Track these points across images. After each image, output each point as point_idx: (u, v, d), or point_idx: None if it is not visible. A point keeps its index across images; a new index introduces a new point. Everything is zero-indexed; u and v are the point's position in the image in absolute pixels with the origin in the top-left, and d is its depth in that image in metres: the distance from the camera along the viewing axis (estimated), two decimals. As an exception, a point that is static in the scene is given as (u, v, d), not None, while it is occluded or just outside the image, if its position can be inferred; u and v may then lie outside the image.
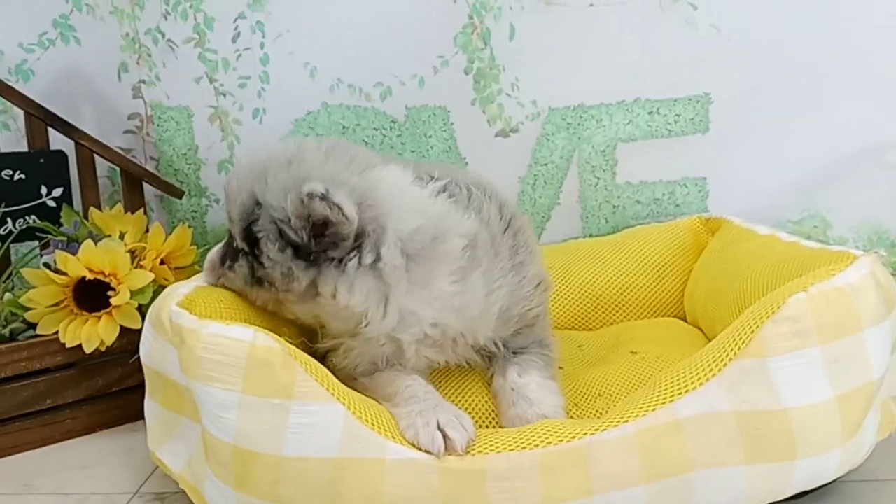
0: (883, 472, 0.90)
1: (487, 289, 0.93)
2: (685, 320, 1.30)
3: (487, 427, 0.92)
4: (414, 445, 0.77)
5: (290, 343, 0.82)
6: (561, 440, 0.76)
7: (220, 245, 0.98)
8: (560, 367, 1.03)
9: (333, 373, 0.84)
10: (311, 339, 0.99)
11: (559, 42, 1.43)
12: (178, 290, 0.89)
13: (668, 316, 1.32)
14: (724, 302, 1.08)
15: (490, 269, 0.93)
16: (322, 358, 0.92)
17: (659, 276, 1.33)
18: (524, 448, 0.76)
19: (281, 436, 0.75)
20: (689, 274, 1.32)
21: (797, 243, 1.06)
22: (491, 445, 0.76)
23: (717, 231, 1.31)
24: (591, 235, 1.50)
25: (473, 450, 0.76)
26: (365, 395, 0.85)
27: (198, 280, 0.96)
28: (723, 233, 1.28)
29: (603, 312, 1.32)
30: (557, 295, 1.31)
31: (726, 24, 1.41)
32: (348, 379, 0.89)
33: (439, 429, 0.77)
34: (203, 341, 0.79)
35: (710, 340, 0.99)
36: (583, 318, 1.32)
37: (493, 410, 0.95)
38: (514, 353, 0.98)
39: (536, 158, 1.48)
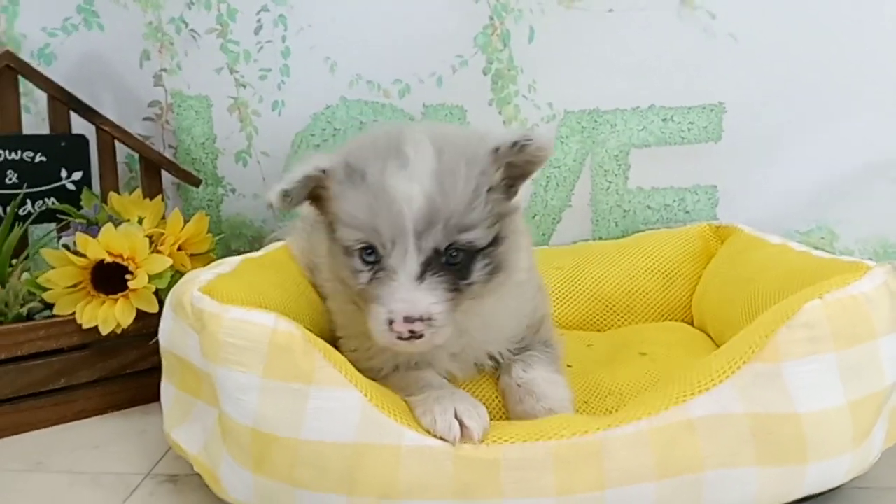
0: (886, 480, 0.91)
1: (521, 305, 0.96)
2: (693, 325, 1.32)
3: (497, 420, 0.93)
4: (429, 432, 0.78)
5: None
6: (575, 433, 0.77)
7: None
8: (569, 366, 1.05)
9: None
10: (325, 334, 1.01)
11: (577, 46, 1.44)
12: (200, 276, 0.90)
13: (676, 320, 1.33)
14: (736, 308, 1.09)
15: (525, 286, 0.96)
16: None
17: (668, 281, 1.34)
18: (538, 439, 0.77)
19: (299, 420, 0.76)
20: (698, 279, 1.33)
21: (808, 253, 1.07)
22: (506, 436, 0.78)
23: (728, 238, 1.33)
24: (601, 238, 1.51)
25: (488, 439, 0.77)
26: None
27: (219, 267, 0.97)
28: (733, 240, 1.30)
29: (611, 314, 1.33)
30: (567, 296, 1.33)
31: (743, 33, 1.42)
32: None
33: (456, 417, 0.78)
34: (225, 326, 0.80)
35: (718, 346, 1.00)
36: (592, 320, 1.33)
37: (502, 405, 0.96)
38: (519, 350, 0.98)
39: (550, 160, 1.49)
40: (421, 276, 0.81)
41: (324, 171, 0.85)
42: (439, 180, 0.81)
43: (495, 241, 0.85)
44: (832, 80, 1.44)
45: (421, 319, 0.79)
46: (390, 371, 0.94)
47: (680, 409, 0.79)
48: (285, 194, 0.84)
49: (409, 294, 0.80)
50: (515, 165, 0.87)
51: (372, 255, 0.83)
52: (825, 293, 0.81)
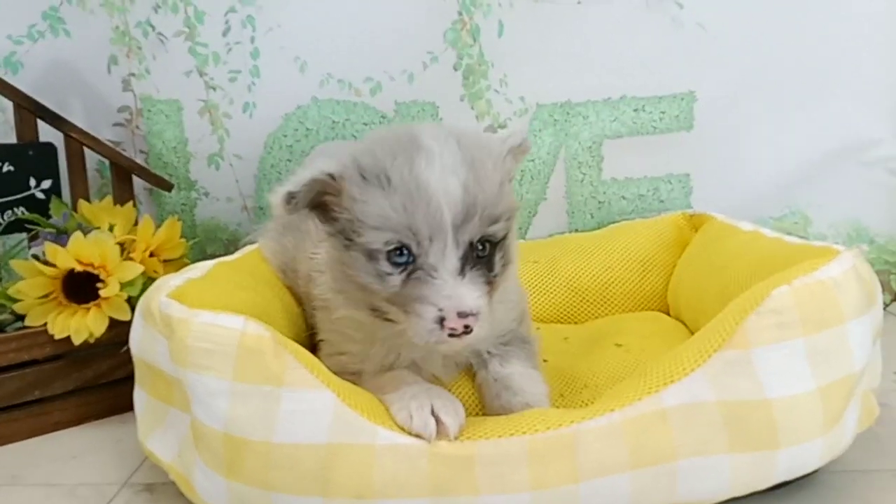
0: (862, 463, 0.92)
1: (512, 299, 0.96)
2: (668, 314, 1.32)
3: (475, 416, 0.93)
4: (404, 430, 0.78)
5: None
6: (548, 427, 0.77)
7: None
8: (545, 360, 1.05)
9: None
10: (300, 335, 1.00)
11: (547, 39, 1.45)
12: (169, 282, 0.90)
13: (652, 310, 1.34)
14: (709, 296, 1.09)
15: (515, 280, 0.96)
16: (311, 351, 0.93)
17: (643, 271, 1.35)
18: (512, 434, 0.77)
19: (271, 423, 0.76)
20: (673, 269, 1.34)
21: (780, 239, 1.07)
22: (480, 432, 0.78)
23: (701, 227, 1.33)
24: (576, 230, 1.52)
25: (462, 436, 0.77)
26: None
27: (189, 273, 0.96)
28: (706, 229, 1.30)
29: (588, 306, 1.33)
30: (543, 289, 1.33)
31: (712, 22, 1.43)
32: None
33: (433, 413, 0.78)
34: (193, 330, 0.79)
35: (693, 334, 1.01)
36: (568, 312, 1.33)
37: (478, 401, 0.96)
38: (501, 346, 0.98)
39: (527, 152, 1.49)
40: (461, 271, 0.79)
41: (331, 176, 0.82)
42: (472, 171, 0.81)
43: (506, 235, 0.85)
44: (801, 66, 1.46)
45: (471, 314, 0.78)
46: (376, 373, 0.93)
47: (652, 399, 0.79)
48: (290, 197, 0.81)
49: (457, 290, 0.78)
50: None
51: (403, 256, 0.81)
52: (793, 279, 0.81)
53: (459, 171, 0.80)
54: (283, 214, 0.98)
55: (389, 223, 0.80)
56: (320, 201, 0.84)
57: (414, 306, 0.80)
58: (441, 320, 0.78)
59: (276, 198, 0.81)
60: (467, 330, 0.77)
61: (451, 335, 0.78)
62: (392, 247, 0.80)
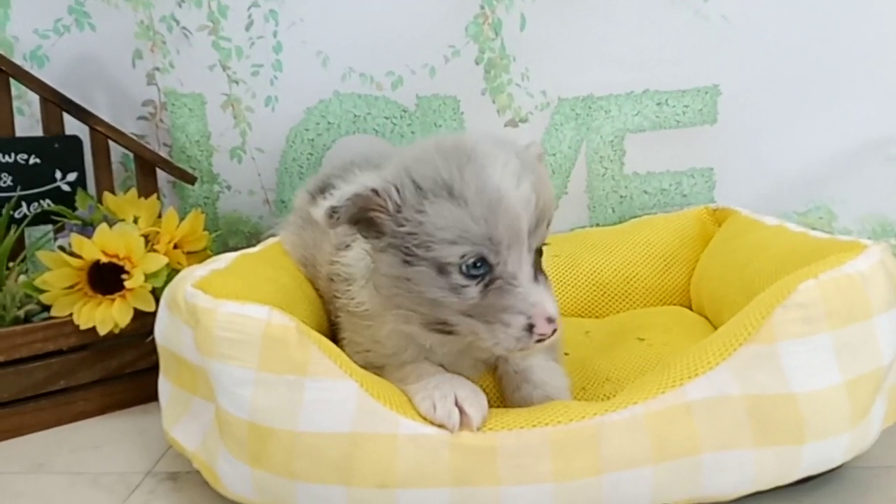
0: (887, 459, 0.91)
1: None
2: (691, 309, 1.31)
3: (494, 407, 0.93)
4: (426, 419, 0.78)
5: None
6: (571, 420, 0.77)
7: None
8: (566, 353, 1.04)
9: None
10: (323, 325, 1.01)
11: (569, 33, 1.44)
12: (195, 273, 0.90)
13: (674, 305, 1.33)
14: (733, 290, 1.09)
15: None
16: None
17: (665, 266, 1.34)
18: (534, 426, 0.77)
19: (296, 412, 0.76)
20: (696, 263, 1.33)
21: (805, 233, 1.06)
22: (502, 423, 0.78)
23: (724, 221, 1.32)
24: (598, 225, 1.51)
25: (484, 427, 0.78)
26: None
27: (213, 264, 0.96)
28: (730, 223, 1.29)
29: (609, 300, 1.33)
30: (565, 283, 1.33)
31: (736, 15, 1.42)
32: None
33: (457, 404, 0.78)
34: (219, 320, 0.80)
35: (716, 329, 1.00)
36: (590, 306, 1.33)
37: (499, 392, 0.96)
38: None
39: (545, 148, 1.49)
40: (535, 278, 0.80)
41: (375, 192, 0.80)
42: (534, 176, 0.81)
43: None
44: (827, 58, 1.44)
45: (555, 318, 0.79)
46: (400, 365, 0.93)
47: (676, 392, 0.79)
48: (333, 212, 0.79)
49: (541, 296, 0.79)
50: None
51: (481, 268, 0.80)
52: (820, 273, 0.80)
53: (527, 178, 0.80)
54: (302, 208, 1.00)
55: (467, 235, 0.78)
56: (364, 217, 0.83)
57: (499, 316, 0.79)
58: (530, 327, 0.78)
59: (318, 212, 0.80)
60: (553, 334, 0.79)
61: (538, 340, 0.78)
62: (472, 259, 0.79)
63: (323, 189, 1.09)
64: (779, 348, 0.78)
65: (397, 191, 0.80)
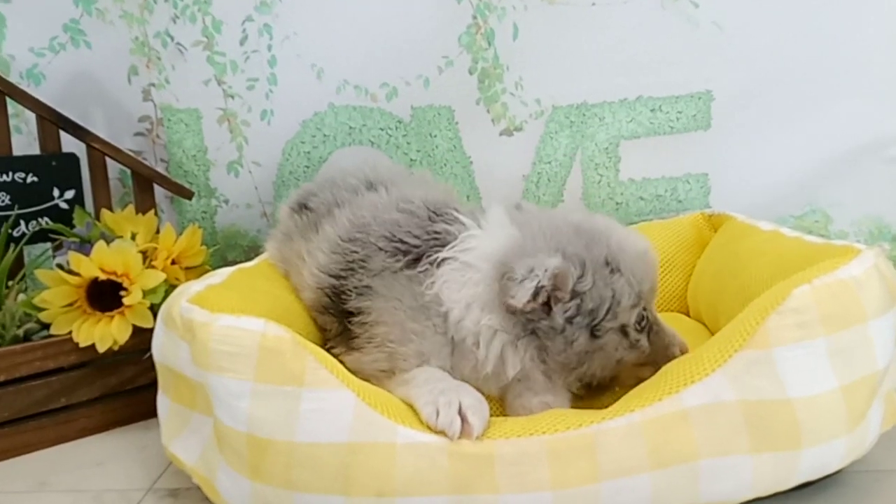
0: (886, 463, 0.91)
1: None
2: (688, 315, 1.31)
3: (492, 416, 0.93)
4: (426, 426, 0.79)
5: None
6: (568, 427, 0.78)
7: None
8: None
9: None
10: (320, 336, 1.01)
11: (562, 41, 1.45)
12: (190, 288, 0.91)
13: (672, 311, 1.33)
14: (728, 296, 1.09)
15: None
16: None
17: (662, 272, 1.33)
18: (532, 434, 0.77)
19: (293, 422, 0.77)
20: (692, 269, 1.33)
21: (800, 238, 1.07)
22: (500, 431, 0.78)
23: (720, 227, 1.33)
24: (595, 233, 1.51)
25: (483, 435, 0.78)
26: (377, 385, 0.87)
27: (209, 279, 0.97)
28: (726, 229, 1.29)
29: (608, 308, 1.33)
30: (563, 291, 1.32)
31: (727, 21, 1.42)
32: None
33: (460, 412, 0.79)
34: (215, 334, 0.80)
35: (713, 334, 1.00)
36: (588, 314, 1.32)
37: (496, 399, 0.97)
38: None
39: (540, 157, 1.49)
40: None
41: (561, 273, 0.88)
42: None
43: None
44: (819, 62, 1.44)
45: None
46: None
47: (673, 399, 0.79)
48: (538, 290, 0.86)
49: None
50: None
51: (644, 321, 0.95)
52: (814, 278, 0.81)
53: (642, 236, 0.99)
54: (284, 222, 1.03)
55: (635, 298, 0.92)
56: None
57: (665, 353, 0.96)
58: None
59: (523, 295, 0.85)
60: None
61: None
62: (640, 315, 0.94)
63: (303, 204, 1.12)
64: (774, 354, 0.78)
65: (580, 270, 0.90)
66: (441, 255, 0.94)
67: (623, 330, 0.92)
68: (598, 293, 0.89)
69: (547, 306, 0.90)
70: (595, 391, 0.98)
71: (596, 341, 0.91)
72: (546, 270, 0.86)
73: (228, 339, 0.80)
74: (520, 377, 0.94)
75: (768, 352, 0.78)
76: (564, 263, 0.87)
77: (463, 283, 0.92)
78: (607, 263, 0.90)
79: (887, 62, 1.44)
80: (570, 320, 0.90)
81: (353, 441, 0.77)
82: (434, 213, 1.00)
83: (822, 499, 0.85)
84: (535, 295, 0.86)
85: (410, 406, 0.84)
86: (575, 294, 0.89)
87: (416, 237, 0.97)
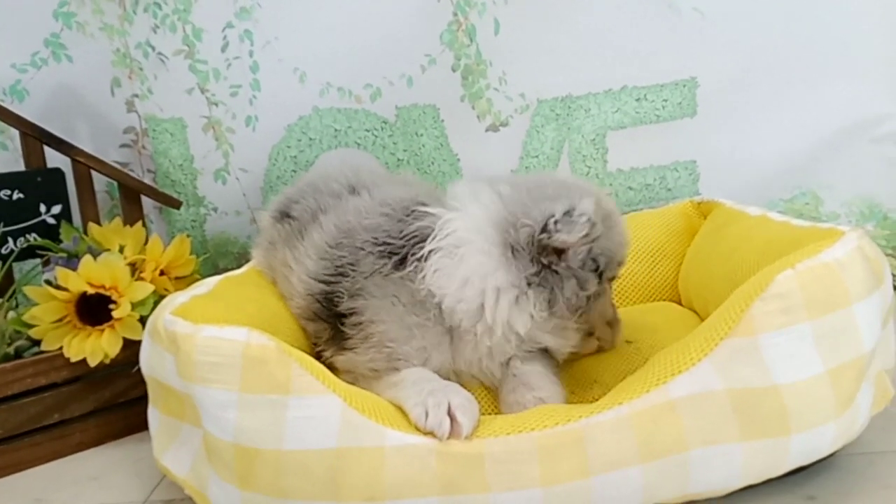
0: (880, 445, 0.91)
1: None
2: (680, 303, 1.31)
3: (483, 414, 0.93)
4: (415, 426, 0.79)
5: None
6: (557, 423, 0.77)
7: None
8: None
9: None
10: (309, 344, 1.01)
11: (544, 34, 1.44)
12: (175, 300, 0.90)
13: (664, 300, 1.33)
14: (717, 283, 1.08)
15: None
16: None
17: (653, 262, 1.34)
18: (521, 431, 0.77)
19: (280, 430, 0.77)
20: (683, 258, 1.33)
21: (787, 222, 1.06)
22: (489, 430, 0.78)
23: (709, 214, 1.32)
24: (585, 224, 1.51)
25: (472, 434, 0.78)
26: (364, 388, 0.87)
27: (195, 289, 0.97)
28: (714, 215, 1.29)
29: (599, 299, 1.32)
30: (554, 285, 1.32)
31: (709, 6, 1.42)
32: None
33: (449, 412, 0.78)
34: (198, 345, 0.80)
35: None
36: (579, 306, 1.32)
37: (488, 398, 0.97)
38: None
39: (527, 151, 1.49)
40: None
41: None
42: None
43: None
44: (803, 44, 1.44)
45: None
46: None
47: (660, 391, 0.79)
48: (593, 224, 0.88)
49: None
50: None
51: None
52: (797, 263, 0.80)
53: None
54: (267, 230, 1.03)
55: (624, 252, 1.00)
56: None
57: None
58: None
59: (579, 230, 0.88)
60: None
61: None
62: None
63: (284, 212, 1.11)
64: (759, 341, 0.77)
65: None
66: (425, 249, 0.93)
67: (611, 281, 1.00)
68: (604, 243, 0.93)
69: (560, 251, 0.91)
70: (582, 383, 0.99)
71: (600, 286, 0.95)
72: (587, 209, 0.88)
73: (212, 350, 0.79)
74: (515, 372, 0.95)
75: (753, 339, 0.78)
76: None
77: (456, 264, 0.92)
78: (605, 220, 0.93)
79: (872, 42, 1.43)
80: (582, 264, 0.92)
81: (342, 446, 0.77)
82: (405, 213, 1.00)
83: (815, 483, 0.85)
84: (593, 227, 0.88)
85: (399, 408, 0.84)
86: (594, 242, 0.92)
87: (398, 238, 0.96)
